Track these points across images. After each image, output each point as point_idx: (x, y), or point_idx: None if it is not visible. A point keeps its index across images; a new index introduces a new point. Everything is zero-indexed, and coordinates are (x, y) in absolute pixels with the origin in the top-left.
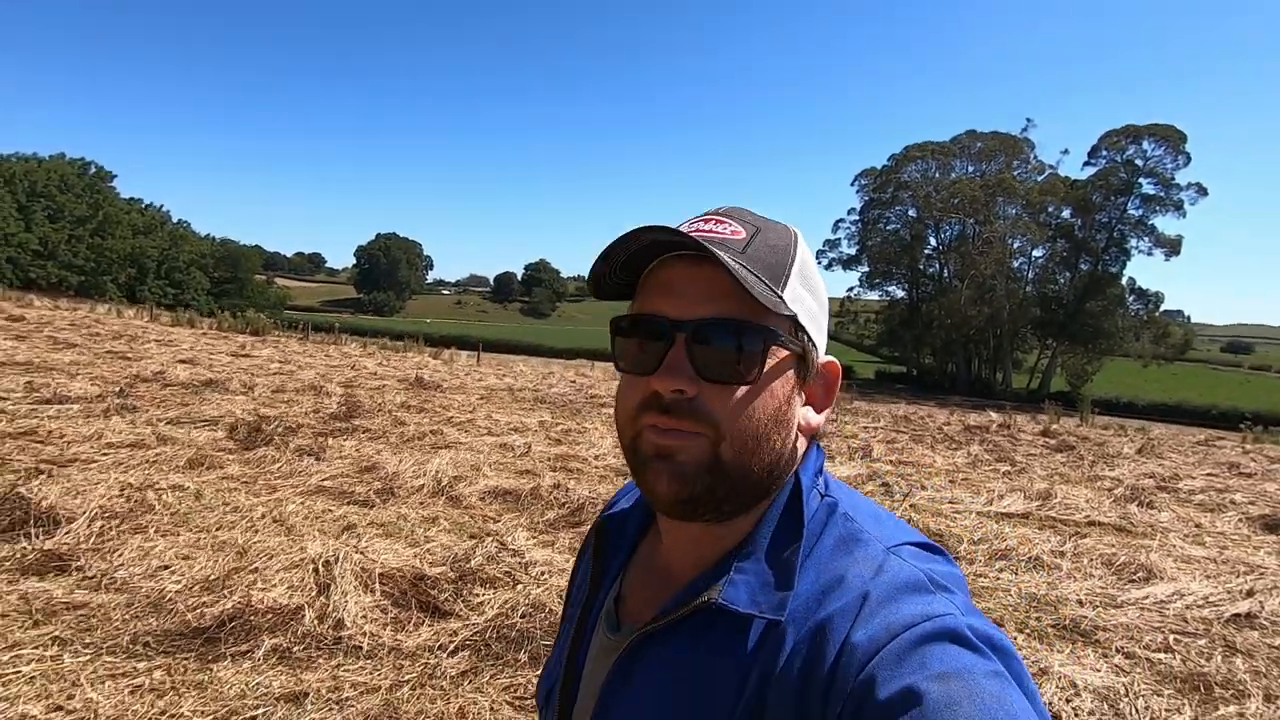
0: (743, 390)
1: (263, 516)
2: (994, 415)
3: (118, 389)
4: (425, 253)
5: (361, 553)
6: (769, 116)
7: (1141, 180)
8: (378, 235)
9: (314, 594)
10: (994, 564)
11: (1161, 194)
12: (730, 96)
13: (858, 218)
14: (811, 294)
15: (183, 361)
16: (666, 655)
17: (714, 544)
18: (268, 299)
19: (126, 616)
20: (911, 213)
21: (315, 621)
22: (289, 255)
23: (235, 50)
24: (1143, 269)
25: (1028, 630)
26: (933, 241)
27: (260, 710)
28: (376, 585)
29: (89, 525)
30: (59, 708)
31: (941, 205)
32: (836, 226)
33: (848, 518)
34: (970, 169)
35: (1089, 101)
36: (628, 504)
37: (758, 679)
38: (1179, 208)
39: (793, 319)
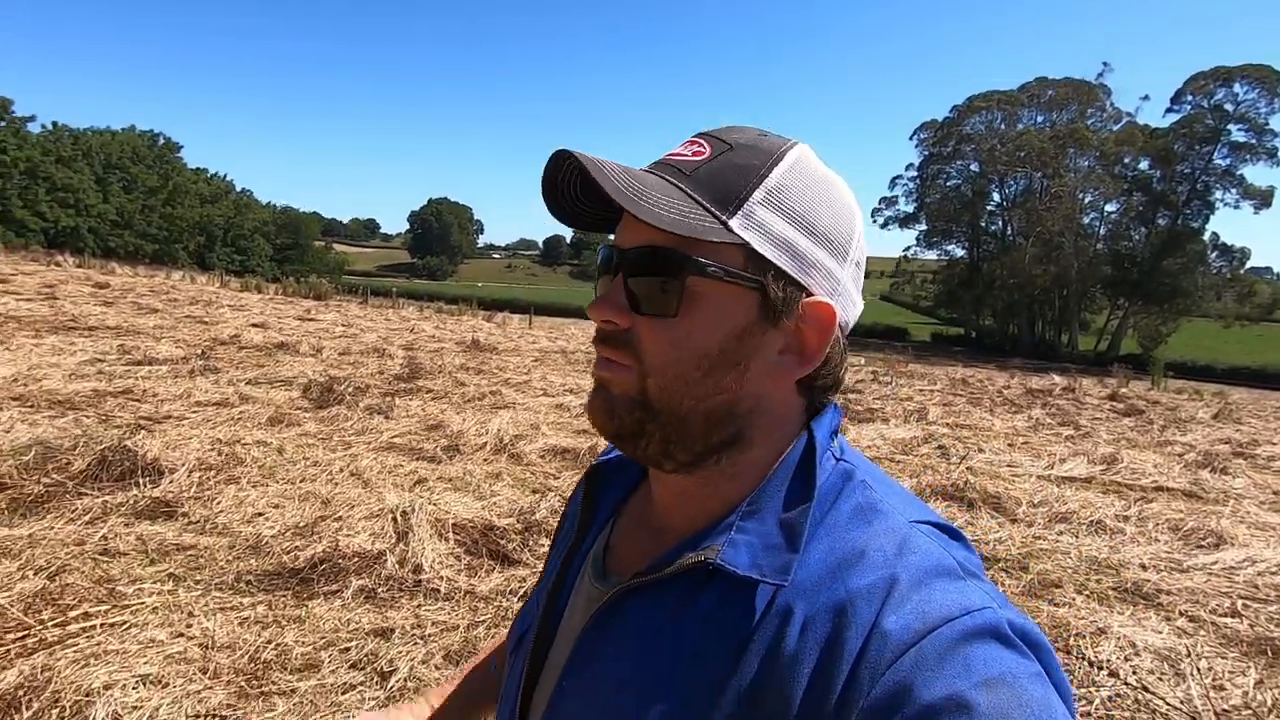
0: (667, 324)
1: (341, 470)
2: (1058, 379)
3: (199, 351)
4: (476, 217)
5: (434, 504)
6: (829, 68)
7: (1230, 126)
8: (429, 200)
9: (394, 541)
10: (1054, 526)
11: (1253, 141)
12: (793, 51)
13: (916, 174)
14: (795, 221)
15: (255, 325)
16: (653, 613)
17: (704, 499)
18: (327, 264)
19: (230, 557)
20: (974, 167)
21: (397, 566)
22: (345, 221)
23: (288, 21)
24: (1228, 222)
25: (1086, 592)
26: (996, 197)
27: (354, 643)
28: (450, 534)
29: (189, 476)
30: (180, 634)
31: (1007, 159)
32: (893, 183)
33: (866, 485)
34: (1039, 119)
35: (1175, 42)
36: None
37: (759, 652)
38: (1272, 155)
39: (743, 246)
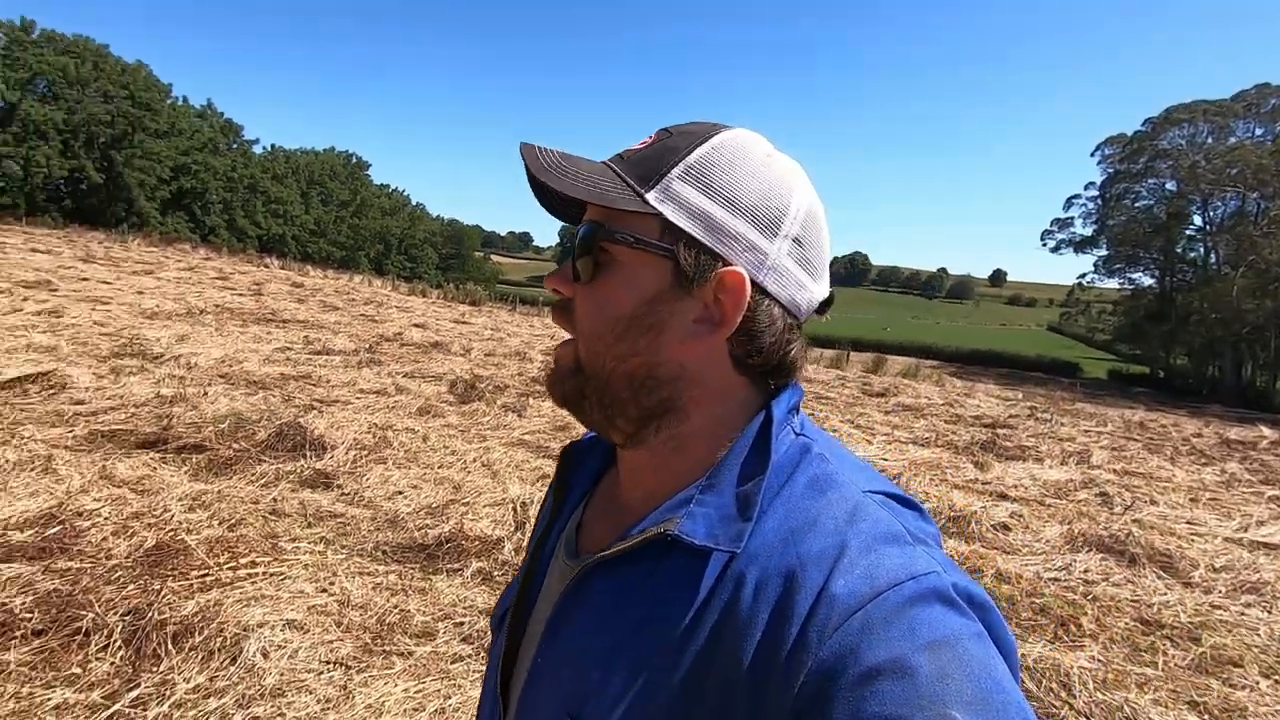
0: (591, 289)
1: (474, 460)
2: (1266, 431)
3: (367, 346)
4: None
5: None
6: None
7: None
8: None
9: (512, 529)
10: (1239, 597)
11: None
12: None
13: (1097, 193)
14: (710, 193)
15: (416, 325)
16: (618, 585)
17: (656, 473)
18: (484, 274)
19: (371, 528)
20: (1170, 186)
21: (513, 553)
22: (502, 234)
23: (469, 62)
24: None
25: (1276, 677)
26: (1197, 220)
27: (467, 618)
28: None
29: (346, 453)
30: (324, 590)
31: (1214, 176)
32: (1069, 204)
33: (823, 458)
34: (1258, 131)
35: None
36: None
37: (715, 616)
38: None
39: (657, 216)
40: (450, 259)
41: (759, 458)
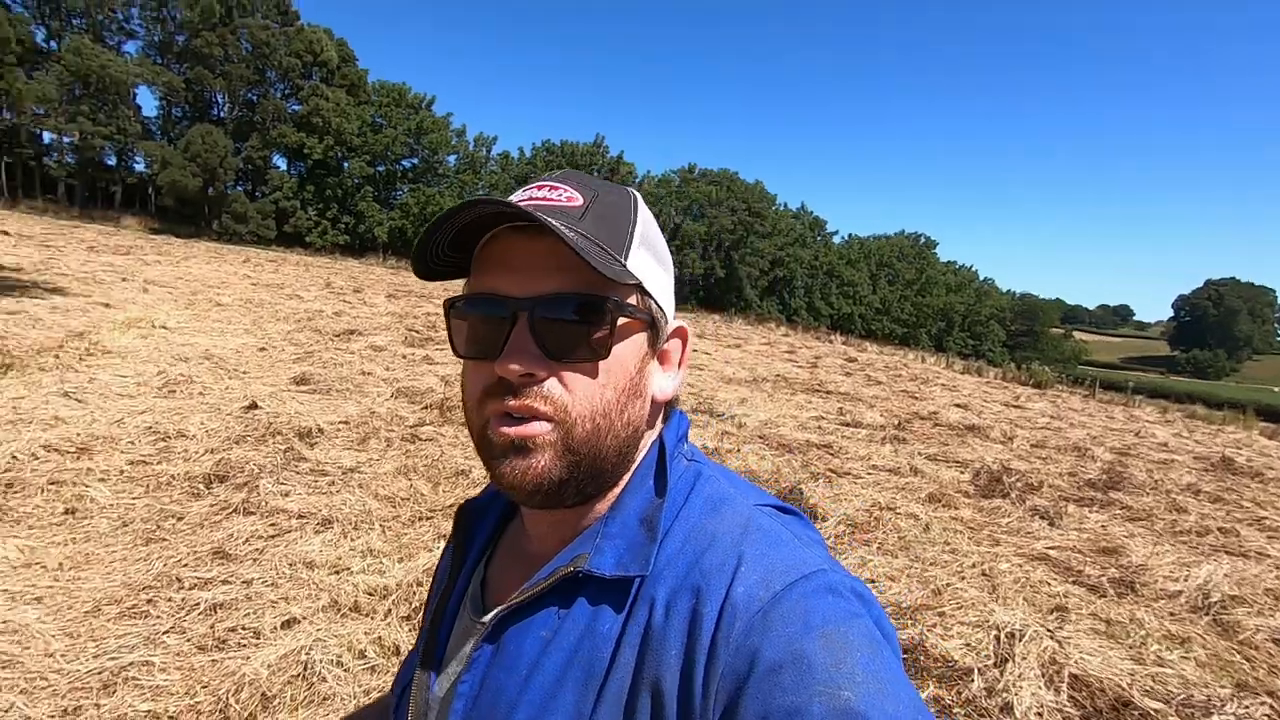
0: (594, 366)
1: (973, 566)
2: None
3: (896, 422)
4: None
5: (1059, 641)
6: None
7: None
8: (1207, 283)
9: (990, 663)
10: None
11: None
12: None
13: None
14: (655, 257)
15: (957, 405)
16: (533, 633)
17: (578, 521)
18: (1061, 353)
19: None
20: None
21: (983, 692)
22: (1090, 308)
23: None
24: None
25: None
26: None
27: None
28: (1064, 686)
29: (834, 526)
30: None
31: None
32: None
33: (714, 479)
34: None
35: None
36: (492, 490)
37: (632, 641)
38: None
39: (638, 286)
40: (1020, 336)
41: (658, 486)
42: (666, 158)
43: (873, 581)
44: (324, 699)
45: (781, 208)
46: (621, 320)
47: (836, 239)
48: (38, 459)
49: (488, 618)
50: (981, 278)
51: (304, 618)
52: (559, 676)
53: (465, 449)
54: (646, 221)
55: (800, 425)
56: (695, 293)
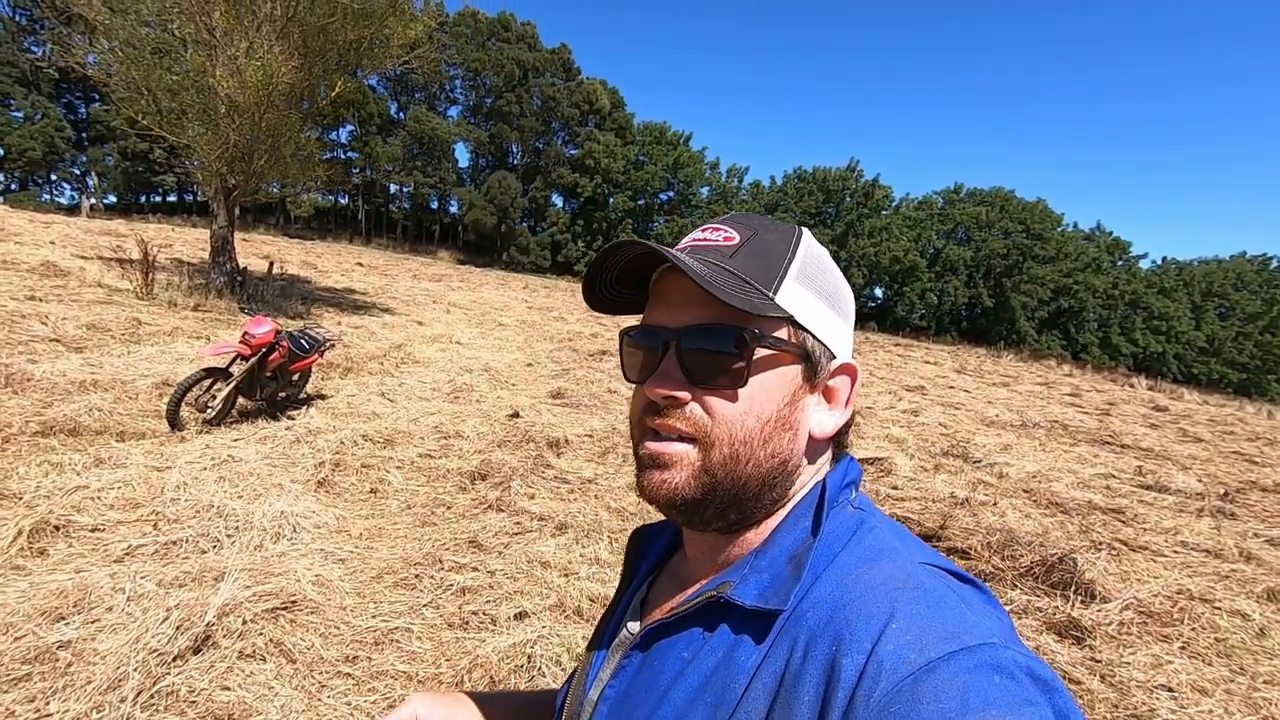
0: (734, 394)
1: None
2: None
3: (1222, 491)
4: None
5: None
6: None
7: None
8: None
9: None
10: None
11: None
12: None
13: None
14: (818, 293)
15: None
16: (675, 652)
17: (731, 548)
18: None
19: None
20: None
21: None
22: None
23: None
24: None
25: None
26: None
27: None
28: None
29: (1120, 611)
30: None
31: None
32: None
33: (876, 530)
34: None
35: None
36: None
37: (767, 678)
38: None
39: (789, 319)
40: None
41: (812, 525)
42: (930, 179)
43: (1169, 690)
44: None
45: (1070, 228)
46: (763, 351)
47: (1144, 263)
48: (357, 445)
49: (639, 630)
50: None
51: (533, 613)
52: (691, 699)
53: None
54: (811, 259)
55: (1080, 483)
56: (957, 323)
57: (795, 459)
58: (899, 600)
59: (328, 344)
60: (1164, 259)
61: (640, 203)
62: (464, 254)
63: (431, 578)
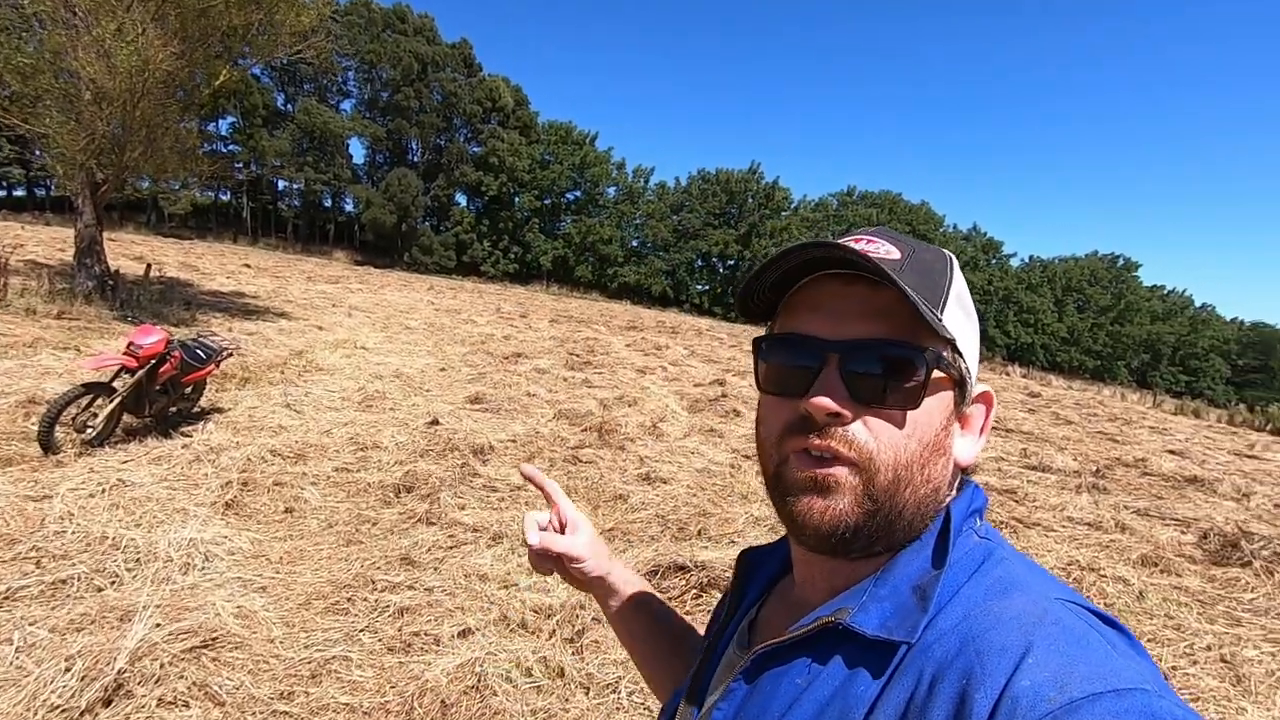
0: (902, 416)
1: (1207, 648)
2: None
3: (1095, 469)
4: None
5: None
6: None
7: None
8: None
9: None
10: None
11: None
12: None
13: None
14: (968, 318)
15: (1170, 452)
16: (787, 678)
17: (850, 574)
18: None
19: None
20: None
21: None
22: None
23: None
24: None
25: None
26: None
27: None
28: None
29: None
30: None
31: None
32: None
33: (1006, 561)
34: None
35: None
36: (779, 539)
37: (889, 712)
38: None
39: (952, 343)
40: (1252, 372)
41: (938, 554)
42: (825, 181)
43: None
44: (495, 713)
45: (950, 230)
46: (936, 374)
47: (1015, 262)
48: (266, 462)
49: (749, 655)
50: (1197, 304)
51: (478, 629)
52: None
53: (623, 473)
54: (960, 281)
55: (975, 467)
56: None
57: (946, 487)
58: (1036, 635)
59: (224, 353)
60: (1030, 258)
61: (547, 202)
62: (362, 255)
63: (365, 600)
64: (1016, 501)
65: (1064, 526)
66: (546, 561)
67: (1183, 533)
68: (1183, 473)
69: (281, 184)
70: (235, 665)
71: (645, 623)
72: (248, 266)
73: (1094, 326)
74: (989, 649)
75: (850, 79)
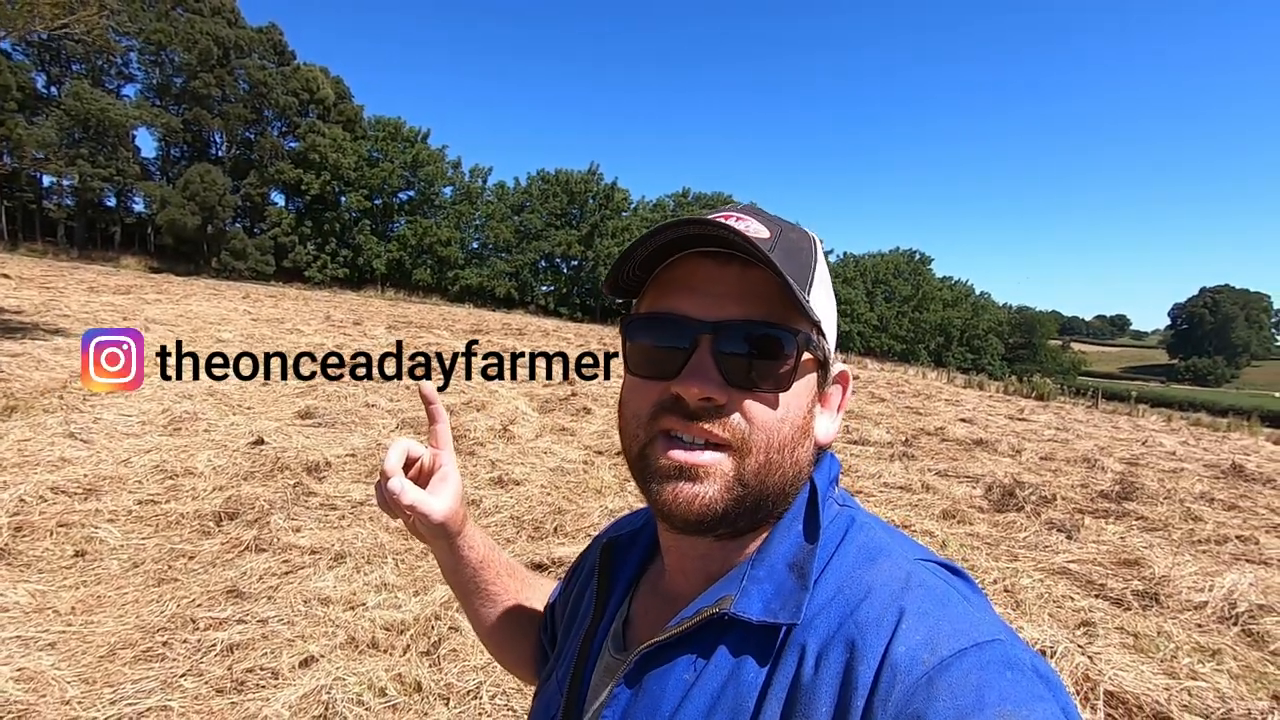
0: (774, 398)
1: (996, 582)
2: None
3: (904, 439)
4: (1278, 307)
5: (1090, 657)
6: None
7: None
8: (1202, 290)
9: None
10: None
11: None
12: None
13: None
14: (829, 299)
15: (962, 420)
16: (675, 672)
17: (724, 559)
18: (1060, 364)
19: None
20: None
21: None
22: (1087, 319)
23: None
24: None
25: None
26: None
27: None
28: (1100, 704)
29: None
30: None
31: None
32: None
33: (869, 528)
34: None
35: None
36: (638, 523)
37: (779, 692)
38: None
39: (818, 324)
40: (1019, 349)
41: (809, 529)
42: (662, 183)
43: None
44: None
45: None
46: (805, 356)
47: (832, 257)
48: (45, 501)
49: (629, 656)
50: (978, 292)
51: (322, 655)
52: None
53: (475, 478)
54: (823, 263)
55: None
56: None
57: (809, 466)
58: (905, 599)
59: None
60: (845, 254)
61: (377, 202)
62: (159, 261)
63: (185, 642)
64: (843, 473)
65: (882, 491)
66: (396, 507)
67: (973, 488)
68: (972, 437)
69: (48, 179)
70: None
71: (489, 579)
72: (6, 276)
73: (899, 314)
74: (866, 621)
75: (683, 84)
